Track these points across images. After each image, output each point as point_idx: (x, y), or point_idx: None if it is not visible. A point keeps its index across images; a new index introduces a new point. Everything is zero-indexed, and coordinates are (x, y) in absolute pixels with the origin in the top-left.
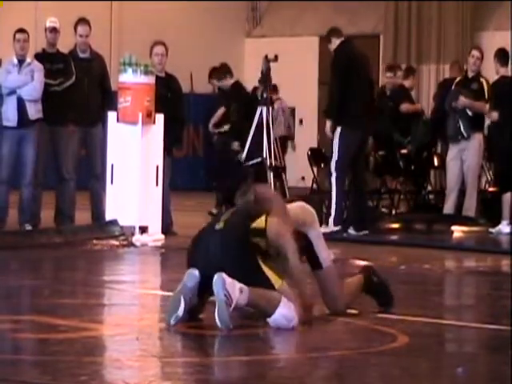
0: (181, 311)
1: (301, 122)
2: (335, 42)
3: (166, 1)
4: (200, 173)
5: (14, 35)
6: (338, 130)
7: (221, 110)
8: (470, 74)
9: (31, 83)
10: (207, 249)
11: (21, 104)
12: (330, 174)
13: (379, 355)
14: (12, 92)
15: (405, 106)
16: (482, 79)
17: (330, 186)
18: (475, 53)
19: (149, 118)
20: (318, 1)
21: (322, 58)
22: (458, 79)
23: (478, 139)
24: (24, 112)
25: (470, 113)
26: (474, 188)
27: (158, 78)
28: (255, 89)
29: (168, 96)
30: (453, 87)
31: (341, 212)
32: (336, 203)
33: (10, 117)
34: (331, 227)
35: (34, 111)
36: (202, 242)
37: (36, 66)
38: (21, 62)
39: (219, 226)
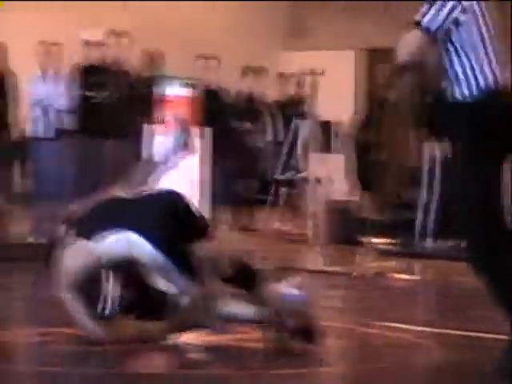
0: None
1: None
2: None
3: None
4: None
5: (39, 47)
6: None
7: None
8: None
9: (61, 94)
10: None
11: (51, 115)
12: None
13: (419, 369)
14: (42, 102)
15: None
16: None
17: None
18: None
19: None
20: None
21: (358, 72)
22: None
23: None
24: (55, 123)
25: None
26: None
27: (201, 91)
28: None
29: (213, 109)
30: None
31: None
32: None
33: (41, 128)
34: None
35: (65, 122)
36: None
37: (64, 77)
38: (49, 73)
39: None
